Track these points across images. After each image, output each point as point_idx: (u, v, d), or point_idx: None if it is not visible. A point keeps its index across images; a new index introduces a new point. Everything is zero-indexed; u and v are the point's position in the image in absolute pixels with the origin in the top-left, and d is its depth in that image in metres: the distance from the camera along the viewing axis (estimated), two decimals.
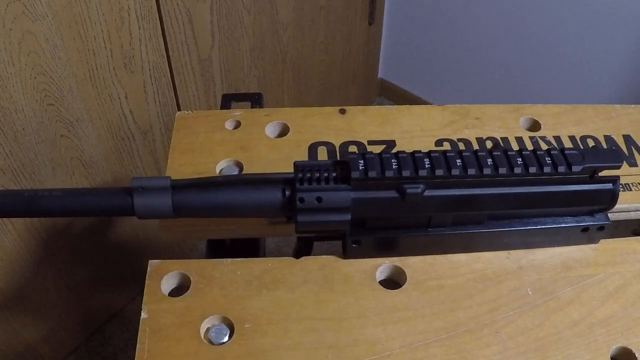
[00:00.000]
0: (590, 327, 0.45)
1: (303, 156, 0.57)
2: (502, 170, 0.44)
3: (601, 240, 0.51)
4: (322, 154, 0.57)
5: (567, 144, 0.60)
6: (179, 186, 0.44)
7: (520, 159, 0.45)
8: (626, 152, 0.59)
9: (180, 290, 0.46)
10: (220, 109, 0.65)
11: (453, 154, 0.44)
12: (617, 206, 0.49)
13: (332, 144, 0.58)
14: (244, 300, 0.45)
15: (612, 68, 1.28)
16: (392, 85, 1.77)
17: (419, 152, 0.44)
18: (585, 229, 0.50)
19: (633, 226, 0.60)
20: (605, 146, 0.60)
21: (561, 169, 0.45)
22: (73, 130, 0.93)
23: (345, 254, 0.48)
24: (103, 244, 1.13)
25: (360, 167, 0.43)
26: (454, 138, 0.59)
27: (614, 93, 1.30)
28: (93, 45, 0.89)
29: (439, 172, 0.43)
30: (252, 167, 0.55)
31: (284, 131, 0.59)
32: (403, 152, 0.44)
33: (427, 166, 0.43)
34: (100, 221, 1.10)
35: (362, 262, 0.48)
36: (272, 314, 0.45)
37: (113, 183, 1.06)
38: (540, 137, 0.60)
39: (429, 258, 0.49)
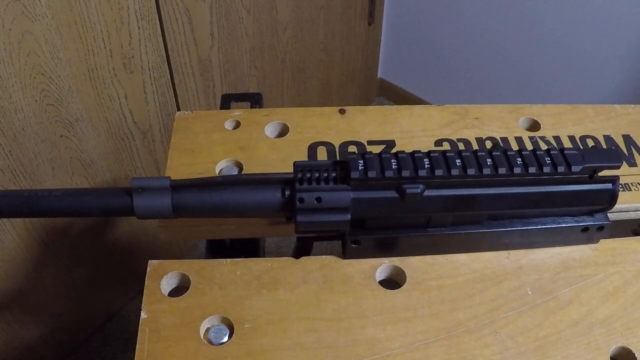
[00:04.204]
0: (590, 327, 0.45)
1: (303, 156, 0.57)
2: (502, 171, 0.44)
3: (601, 240, 0.51)
4: (322, 154, 0.57)
5: (567, 144, 0.60)
6: (179, 186, 0.44)
7: (519, 159, 0.45)
8: (626, 152, 0.59)
9: (180, 290, 0.46)
10: (220, 109, 0.65)
11: (452, 154, 0.44)
12: (617, 206, 0.49)
13: (331, 144, 0.58)
14: (243, 300, 0.45)
15: (612, 68, 1.28)
16: (392, 85, 1.77)
17: (419, 152, 0.44)
18: (585, 229, 0.50)
19: (633, 226, 0.60)
20: (604, 146, 0.60)
21: (561, 169, 0.45)
22: (73, 131, 0.93)
23: (345, 254, 0.48)
24: (103, 244, 1.13)
25: (360, 167, 0.43)
26: (454, 138, 0.59)
27: (614, 93, 1.30)
28: (92, 46, 0.89)
29: (439, 172, 0.43)
30: (251, 167, 0.55)
31: (283, 131, 0.59)
32: (402, 152, 0.44)
33: (426, 166, 0.43)
34: (100, 221, 1.10)
35: (362, 262, 0.48)
36: (271, 314, 0.45)
37: (112, 183, 1.06)
38: (539, 137, 0.60)
39: (428, 258, 0.49)
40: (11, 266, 0.95)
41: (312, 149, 0.57)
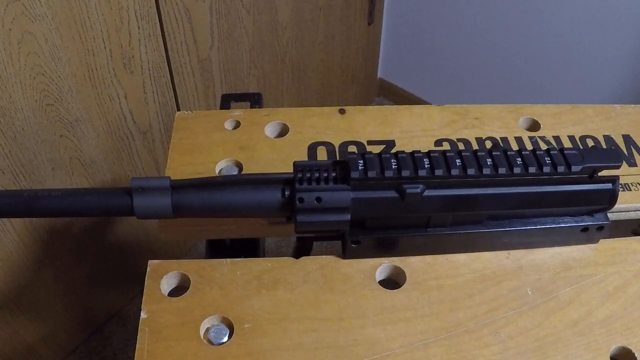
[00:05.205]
0: (590, 327, 0.45)
1: (302, 156, 0.57)
2: (502, 170, 0.44)
3: (601, 240, 0.51)
4: (322, 154, 0.57)
5: (567, 143, 0.60)
6: (179, 186, 0.44)
7: (519, 159, 0.45)
8: (625, 152, 0.59)
9: (179, 290, 0.46)
10: (220, 109, 0.65)
11: (452, 154, 0.44)
12: (617, 206, 0.49)
13: (331, 144, 0.58)
14: (243, 300, 0.45)
15: (612, 68, 1.28)
16: (392, 85, 1.77)
17: (419, 152, 0.44)
18: (585, 229, 0.50)
19: (633, 226, 0.60)
20: (604, 146, 0.60)
21: (560, 169, 0.45)
22: (72, 131, 0.93)
23: (345, 254, 0.48)
24: (103, 244, 1.13)
25: (360, 167, 0.43)
26: (454, 138, 0.59)
27: (614, 93, 1.30)
28: (92, 45, 0.89)
29: (439, 172, 0.43)
30: (251, 167, 0.55)
31: (283, 131, 0.59)
32: (402, 152, 0.44)
33: (426, 166, 0.43)
34: (100, 221, 1.10)
35: (362, 262, 0.48)
36: (271, 314, 0.45)
37: (112, 183, 1.06)
38: (539, 137, 0.60)
39: (428, 258, 0.49)
40: (11, 266, 0.95)
41: (312, 149, 0.57)
